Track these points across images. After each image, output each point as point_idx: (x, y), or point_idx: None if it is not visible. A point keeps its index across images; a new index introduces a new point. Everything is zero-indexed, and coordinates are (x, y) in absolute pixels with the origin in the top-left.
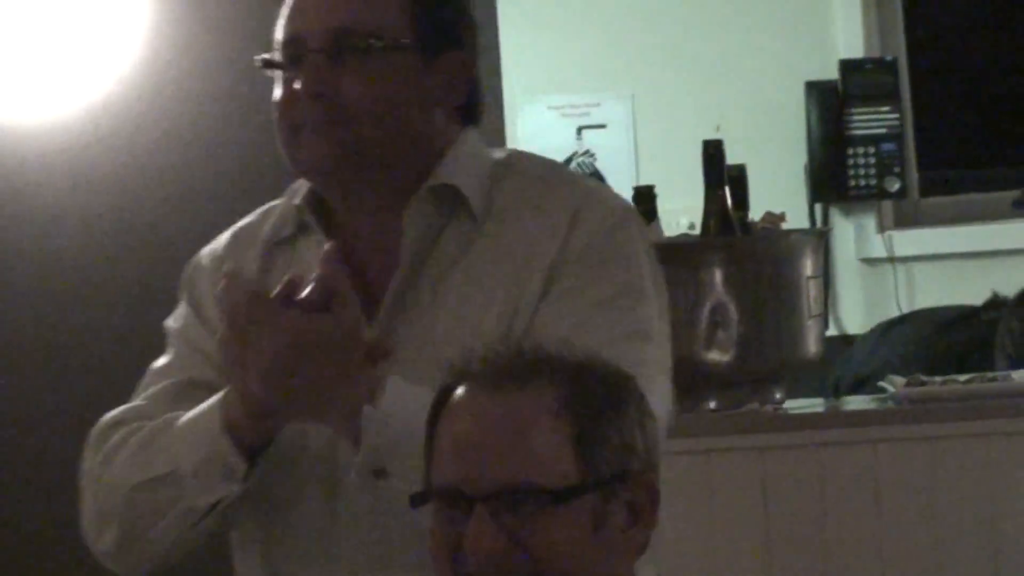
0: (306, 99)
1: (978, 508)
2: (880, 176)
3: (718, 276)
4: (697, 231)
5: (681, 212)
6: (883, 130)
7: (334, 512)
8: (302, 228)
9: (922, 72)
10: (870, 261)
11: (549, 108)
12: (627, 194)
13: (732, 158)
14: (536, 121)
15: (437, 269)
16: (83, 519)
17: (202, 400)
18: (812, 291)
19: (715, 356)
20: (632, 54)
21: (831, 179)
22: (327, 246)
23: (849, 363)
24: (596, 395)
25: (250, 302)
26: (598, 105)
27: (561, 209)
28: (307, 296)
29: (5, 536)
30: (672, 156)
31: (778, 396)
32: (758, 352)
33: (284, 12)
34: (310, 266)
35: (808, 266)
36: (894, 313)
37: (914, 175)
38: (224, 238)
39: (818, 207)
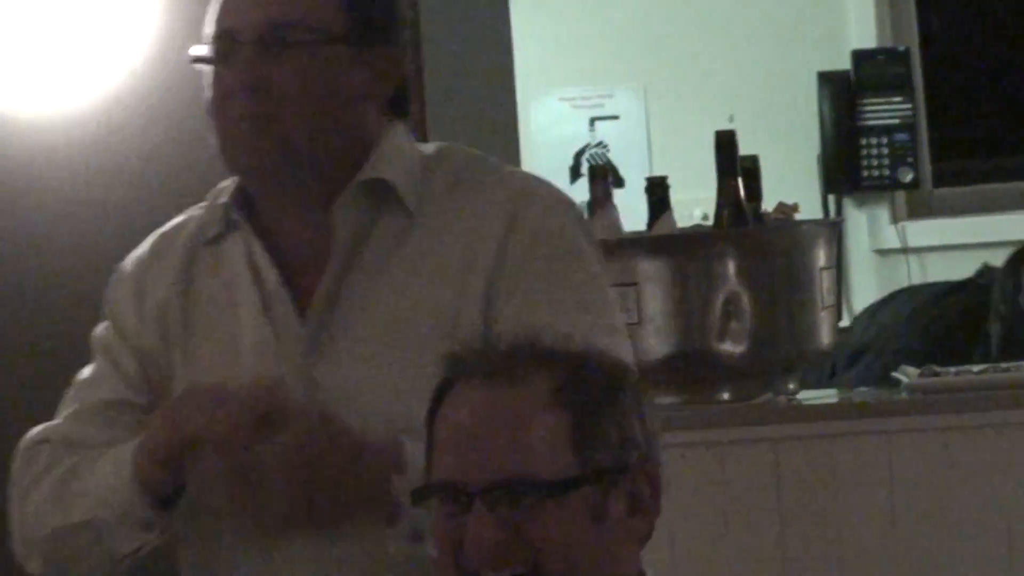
0: (240, 93)
1: (992, 499)
2: (893, 167)
3: (731, 267)
4: (710, 222)
5: (694, 203)
6: (896, 120)
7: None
8: (228, 227)
9: (935, 62)
10: (883, 252)
11: (561, 99)
12: (641, 185)
13: (745, 149)
14: (549, 112)
15: (371, 264)
16: (11, 529)
17: (125, 423)
18: (825, 282)
19: (728, 347)
20: (645, 45)
21: (844, 170)
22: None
23: (845, 341)
24: (593, 387)
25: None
26: (611, 96)
27: (497, 206)
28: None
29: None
30: (685, 147)
31: (791, 387)
32: (771, 343)
33: (214, 6)
34: (237, 266)
35: (821, 257)
36: None
37: (927, 165)
38: (146, 246)
39: (831, 198)
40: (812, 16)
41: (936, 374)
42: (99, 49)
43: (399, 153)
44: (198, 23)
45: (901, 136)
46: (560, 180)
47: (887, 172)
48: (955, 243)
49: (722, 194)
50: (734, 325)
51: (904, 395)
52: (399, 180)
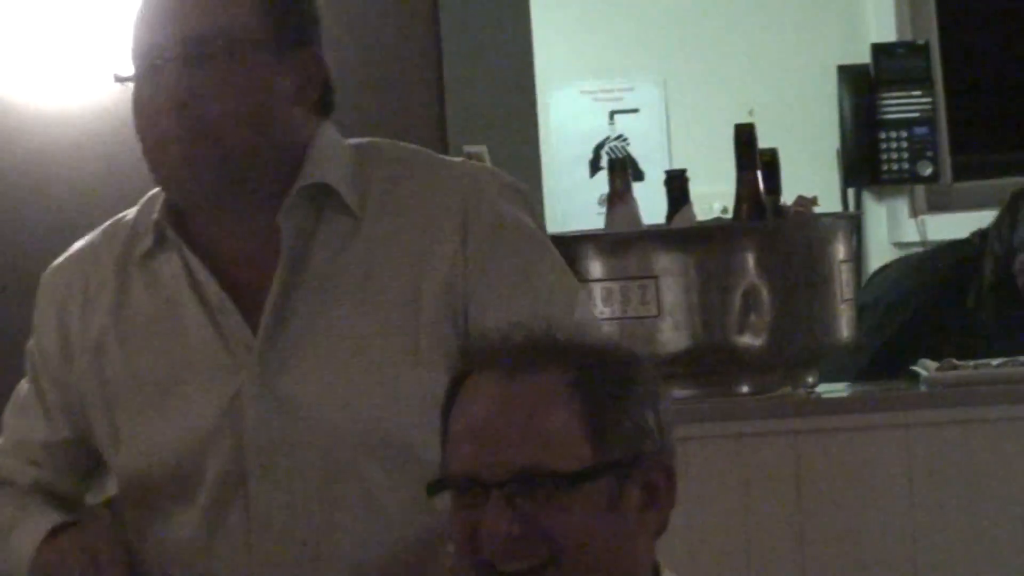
0: (169, 112)
1: (1012, 492)
2: (912, 160)
3: (750, 261)
4: (729, 215)
5: (714, 196)
6: (915, 114)
7: None
8: (160, 243)
9: (954, 55)
10: (902, 245)
11: (582, 93)
12: (660, 178)
13: (764, 142)
14: (569, 106)
15: (319, 270)
16: None
17: (52, 464)
18: (844, 275)
19: (747, 340)
20: (664, 38)
21: (863, 163)
22: None
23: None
24: (607, 378)
25: None
26: (631, 90)
27: (447, 198)
28: None
29: None
30: (704, 140)
31: (810, 380)
32: (790, 336)
33: (136, 25)
34: (175, 283)
35: (840, 250)
36: None
37: (947, 159)
38: (71, 257)
39: (850, 191)
40: (832, 10)
41: (955, 367)
42: (118, 41)
43: (333, 153)
44: None
45: (920, 130)
46: (580, 173)
47: (906, 166)
48: None
49: (741, 187)
50: (753, 318)
51: (923, 388)
52: (339, 182)
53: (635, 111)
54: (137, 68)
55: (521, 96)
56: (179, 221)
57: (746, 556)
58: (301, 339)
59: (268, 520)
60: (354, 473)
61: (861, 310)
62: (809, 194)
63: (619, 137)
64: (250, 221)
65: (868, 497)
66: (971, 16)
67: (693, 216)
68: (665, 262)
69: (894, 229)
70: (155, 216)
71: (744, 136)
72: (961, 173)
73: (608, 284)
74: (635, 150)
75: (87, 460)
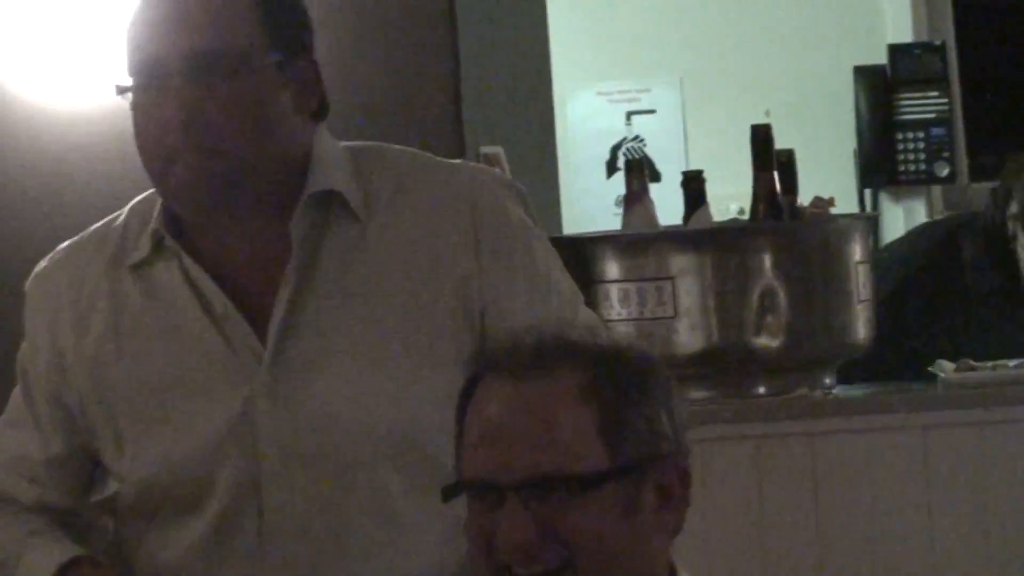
0: (175, 128)
1: None
2: (929, 161)
3: (767, 262)
4: (746, 216)
5: (730, 197)
6: (932, 115)
7: None
8: (156, 251)
9: (971, 56)
10: None
11: (598, 94)
12: (677, 179)
13: (781, 143)
14: (585, 107)
15: (328, 276)
16: None
17: (51, 482)
18: (861, 276)
19: (764, 341)
20: (681, 40)
21: (880, 164)
22: None
23: None
24: (621, 380)
25: None
26: (647, 91)
27: (454, 199)
28: None
29: None
30: (721, 141)
31: (827, 381)
32: (807, 337)
33: (134, 33)
34: (175, 292)
35: (857, 251)
36: None
37: (963, 160)
38: (57, 263)
39: (867, 192)
40: (848, 10)
41: (972, 368)
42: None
43: (334, 159)
44: None
45: (937, 130)
46: (596, 174)
47: (923, 166)
48: None
49: (758, 188)
50: (770, 319)
51: (940, 390)
52: (345, 188)
53: (652, 112)
54: (138, 82)
55: (538, 97)
56: (177, 229)
57: (762, 558)
58: (313, 345)
59: (282, 528)
60: (370, 478)
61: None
62: (826, 195)
63: (636, 138)
64: (255, 229)
65: (885, 499)
66: (988, 16)
67: (710, 217)
68: (682, 263)
69: None
70: (153, 225)
71: (761, 137)
72: (978, 174)
73: (625, 285)
74: (652, 151)
75: (86, 473)
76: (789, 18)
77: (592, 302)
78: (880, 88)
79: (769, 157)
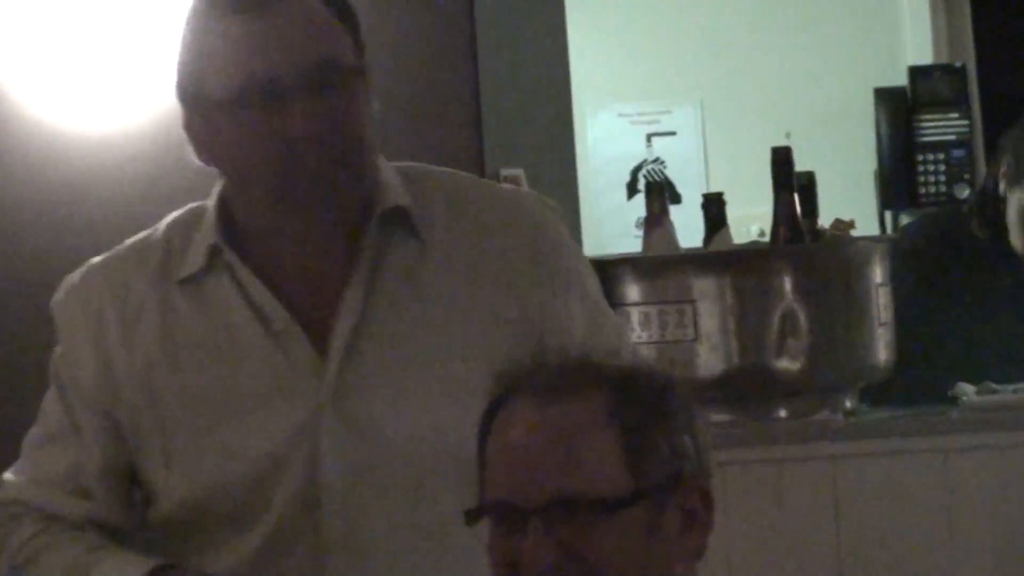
0: (305, 144)
1: None
2: (950, 183)
3: (787, 284)
4: (767, 239)
5: (751, 219)
6: (952, 136)
7: None
8: (210, 265)
9: (991, 78)
10: None
11: (619, 116)
12: (697, 201)
13: (801, 165)
14: (606, 128)
15: (391, 294)
16: None
17: (99, 494)
18: (882, 299)
19: (785, 364)
20: (701, 62)
21: (901, 186)
22: None
23: None
24: (644, 403)
25: None
26: (668, 112)
27: (513, 225)
28: None
29: None
30: (741, 163)
31: (849, 404)
32: (828, 360)
33: (225, 53)
34: (230, 306)
35: (878, 273)
36: None
37: None
38: (89, 280)
39: (888, 214)
40: (869, 33)
41: (993, 391)
42: (160, 65)
43: (393, 176)
44: None
45: (958, 152)
46: (617, 196)
47: (944, 188)
48: None
49: (778, 210)
50: (790, 342)
51: (961, 413)
52: (411, 206)
53: (672, 134)
54: (244, 100)
55: (558, 119)
56: (232, 243)
57: None
58: (378, 363)
59: (342, 546)
60: (431, 498)
61: None
62: (846, 217)
63: (656, 160)
64: (323, 244)
65: (907, 522)
66: (1008, 38)
67: (730, 239)
68: (702, 286)
69: None
70: (211, 239)
71: (781, 159)
72: None
73: (645, 308)
74: (672, 173)
75: (129, 490)
76: (809, 41)
77: None
78: (900, 110)
79: (789, 179)
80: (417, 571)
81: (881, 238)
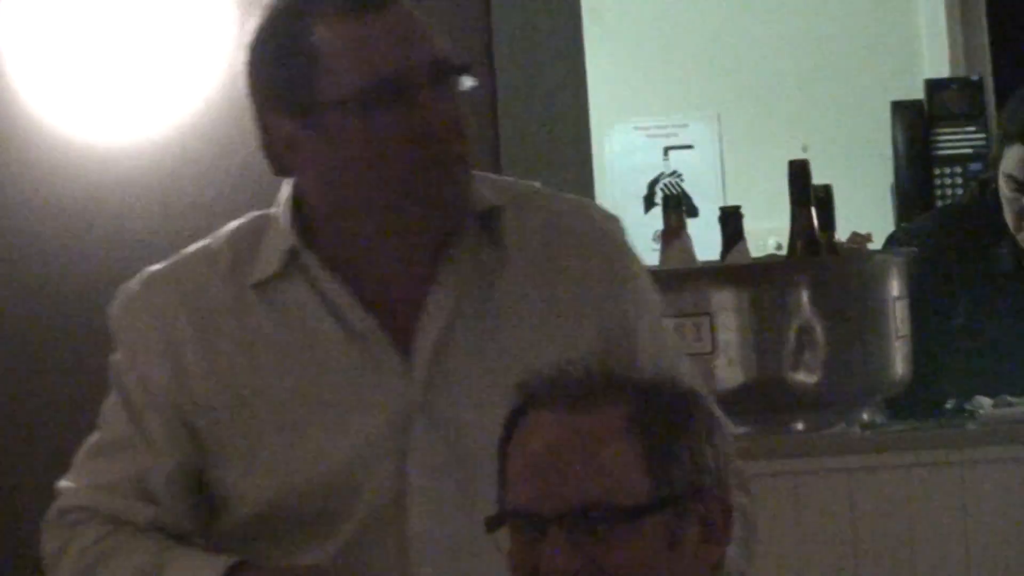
0: (443, 132)
1: None
2: None
3: (805, 297)
4: (784, 252)
5: (768, 232)
6: (969, 150)
7: None
8: (285, 269)
9: (1008, 91)
10: None
11: (636, 129)
12: (714, 214)
13: (819, 178)
14: (623, 142)
15: (477, 300)
16: None
17: (167, 497)
18: (899, 312)
19: (802, 377)
20: (718, 75)
21: (918, 199)
22: None
23: None
24: (665, 413)
25: None
26: (685, 126)
27: (585, 237)
28: None
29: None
30: (758, 176)
31: (866, 417)
32: (845, 373)
33: (353, 49)
34: (309, 310)
35: (895, 287)
36: None
37: None
38: (158, 280)
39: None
40: (886, 46)
41: (1010, 404)
42: (174, 79)
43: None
44: None
45: (975, 165)
46: (634, 209)
47: None
48: None
49: (796, 224)
50: (807, 355)
51: (978, 425)
52: (506, 205)
53: (689, 147)
54: (388, 91)
55: (576, 132)
56: (309, 245)
57: None
58: (464, 366)
59: (427, 547)
60: None
61: None
62: (863, 230)
63: (673, 173)
64: (408, 247)
65: (924, 535)
66: None
67: (747, 252)
68: (719, 299)
69: None
70: (289, 242)
71: (798, 172)
72: None
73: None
74: (689, 186)
75: (197, 496)
76: (826, 54)
77: None
78: (917, 123)
79: (807, 193)
80: (500, 569)
81: (898, 251)
